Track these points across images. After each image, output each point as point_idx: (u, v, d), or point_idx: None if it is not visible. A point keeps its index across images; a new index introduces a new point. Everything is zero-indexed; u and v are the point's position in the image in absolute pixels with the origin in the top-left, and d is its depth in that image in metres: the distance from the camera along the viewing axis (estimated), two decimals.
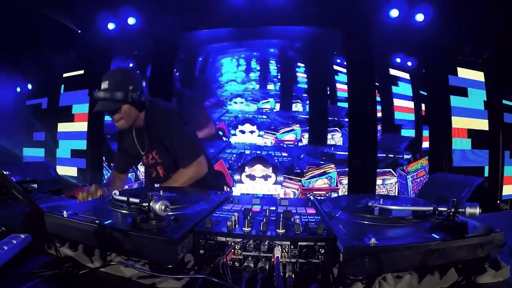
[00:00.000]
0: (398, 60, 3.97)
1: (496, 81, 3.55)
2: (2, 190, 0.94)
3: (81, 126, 4.35)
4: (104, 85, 1.40)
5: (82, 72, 4.44)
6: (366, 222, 0.78)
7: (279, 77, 4.21)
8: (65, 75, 4.57)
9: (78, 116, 4.40)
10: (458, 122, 3.48)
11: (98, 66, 3.96)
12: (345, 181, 3.63)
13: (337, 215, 0.85)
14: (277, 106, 4.12)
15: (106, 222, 0.70)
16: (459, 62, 3.56)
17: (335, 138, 3.94)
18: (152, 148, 1.60)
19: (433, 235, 0.64)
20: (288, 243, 0.69)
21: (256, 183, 3.92)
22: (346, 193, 3.62)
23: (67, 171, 4.47)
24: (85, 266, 0.67)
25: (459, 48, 3.53)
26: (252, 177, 3.95)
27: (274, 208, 0.98)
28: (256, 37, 4.19)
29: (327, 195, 3.73)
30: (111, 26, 3.92)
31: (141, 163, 1.77)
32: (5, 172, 1.09)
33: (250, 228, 0.73)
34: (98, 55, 4.08)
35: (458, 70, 3.57)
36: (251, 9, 3.55)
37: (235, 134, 4.11)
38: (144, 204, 0.72)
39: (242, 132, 4.10)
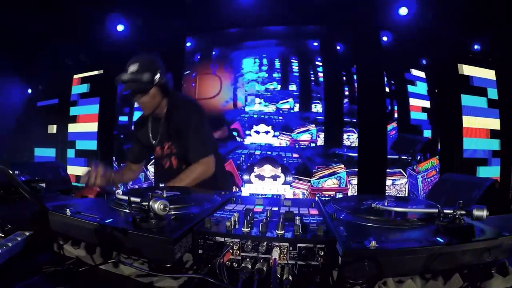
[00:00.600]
0: (412, 59, 3.87)
1: (508, 79, 3.42)
2: (11, 189, 0.98)
3: (91, 126, 4.47)
4: (133, 67, 1.41)
5: (91, 73, 4.57)
6: (369, 224, 0.76)
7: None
8: (75, 76, 4.72)
9: (88, 117, 4.53)
10: (469, 121, 3.39)
11: (109, 67, 4.07)
12: (354, 181, 3.57)
13: (340, 217, 0.83)
14: (296, 107, 4.03)
15: (107, 221, 0.71)
16: (469, 60, 3.46)
17: (351, 138, 3.84)
18: (168, 138, 1.60)
19: (437, 238, 0.61)
20: (287, 244, 0.68)
21: (265, 183, 3.91)
22: (355, 194, 3.55)
23: (77, 171, 4.60)
24: (86, 263, 0.68)
25: (469, 46, 3.43)
26: (261, 177, 3.94)
27: (276, 208, 0.97)
28: (270, 37, 4.16)
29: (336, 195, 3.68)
30: (120, 27, 4.02)
31: (154, 154, 1.76)
32: (15, 172, 1.12)
33: (249, 229, 0.72)
34: (107, 56, 4.18)
35: (468, 68, 3.47)
36: (261, 8, 3.55)
37: (250, 135, 4.09)
38: (144, 203, 0.73)
39: (257, 132, 4.08)
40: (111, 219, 0.73)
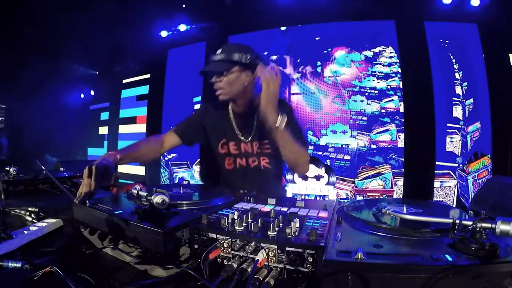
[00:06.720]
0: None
1: None
2: (54, 184, 1.17)
3: (141, 127, 4.89)
4: (218, 51, 1.33)
5: (139, 78, 5.02)
6: (374, 232, 0.68)
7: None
8: (124, 81, 5.22)
9: (138, 118, 4.96)
10: None
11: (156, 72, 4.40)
12: (400, 182, 3.17)
13: (346, 221, 0.76)
14: (401, 106, 3.40)
15: (116, 212, 0.79)
16: None
17: (454, 141, 3.17)
18: (263, 137, 1.44)
19: (446, 255, 0.51)
20: (275, 247, 0.65)
21: (309, 184, 3.79)
22: (401, 196, 3.16)
23: (126, 169, 5.08)
24: (96, 248, 0.77)
25: None
26: (304, 177, 3.84)
27: (286, 209, 0.93)
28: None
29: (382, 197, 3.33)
30: (164, 33, 4.33)
31: (217, 150, 1.54)
32: (60, 169, 1.32)
33: (242, 228, 0.72)
34: (154, 61, 4.53)
35: None
36: None
37: (326, 134, 3.82)
38: (148, 197, 0.79)
39: (334, 132, 3.79)
40: (121, 211, 0.80)
